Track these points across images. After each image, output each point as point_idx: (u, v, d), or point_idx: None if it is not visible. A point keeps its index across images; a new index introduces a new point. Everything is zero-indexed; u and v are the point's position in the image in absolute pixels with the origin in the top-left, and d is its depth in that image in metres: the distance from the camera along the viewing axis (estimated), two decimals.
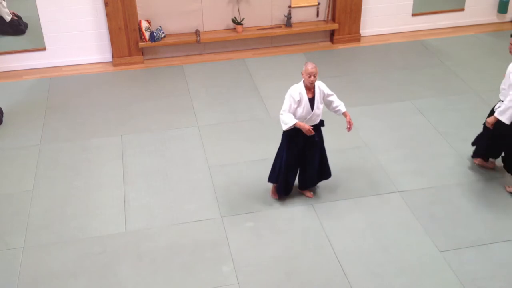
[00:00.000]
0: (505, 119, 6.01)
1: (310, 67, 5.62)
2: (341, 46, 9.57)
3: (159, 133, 7.42)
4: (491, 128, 6.19)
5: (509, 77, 5.97)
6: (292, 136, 5.85)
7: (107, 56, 9.13)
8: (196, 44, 9.17)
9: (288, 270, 5.43)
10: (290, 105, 5.68)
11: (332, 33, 9.61)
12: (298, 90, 5.69)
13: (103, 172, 6.75)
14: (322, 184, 6.47)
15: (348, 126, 5.89)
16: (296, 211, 6.10)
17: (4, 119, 7.75)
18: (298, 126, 5.68)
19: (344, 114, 5.91)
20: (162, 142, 7.24)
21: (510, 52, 6.13)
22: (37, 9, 8.63)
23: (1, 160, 6.98)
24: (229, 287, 5.28)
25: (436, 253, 5.58)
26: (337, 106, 5.89)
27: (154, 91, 8.36)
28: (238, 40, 9.32)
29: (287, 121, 5.67)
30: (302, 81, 5.75)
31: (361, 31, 9.70)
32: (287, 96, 5.71)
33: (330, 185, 6.44)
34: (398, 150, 7.00)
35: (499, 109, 6.06)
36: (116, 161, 6.92)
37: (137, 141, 7.27)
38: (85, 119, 7.75)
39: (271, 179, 6.17)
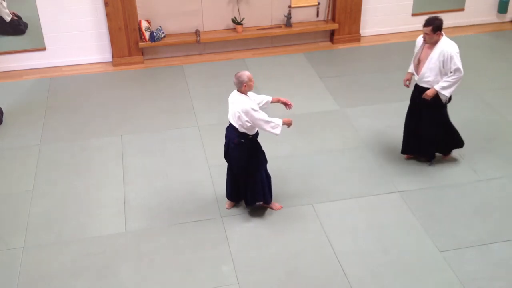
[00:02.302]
0: (447, 93, 6.20)
1: (248, 72, 5.48)
2: (341, 46, 9.57)
3: (159, 133, 7.42)
4: (429, 99, 6.23)
5: (450, 61, 6.06)
6: (260, 148, 5.82)
7: (107, 56, 9.13)
8: (196, 44, 9.17)
9: (288, 270, 5.43)
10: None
11: (332, 33, 9.61)
12: (252, 101, 5.54)
13: (103, 172, 6.75)
14: (322, 184, 6.47)
15: (288, 104, 5.81)
16: (296, 211, 6.10)
17: (4, 119, 7.75)
18: (286, 123, 5.67)
19: (273, 100, 5.80)
20: (162, 142, 7.24)
21: (424, 40, 6.17)
22: (37, 9, 8.63)
23: (1, 160, 6.98)
24: (229, 287, 5.28)
25: (436, 253, 5.58)
26: (262, 101, 5.77)
27: (154, 91, 8.36)
28: (238, 40, 9.32)
29: (278, 122, 5.57)
30: (237, 92, 5.55)
31: (361, 31, 9.70)
32: (253, 112, 5.43)
33: (330, 185, 6.44)
34: (398, 150, 6.99)
35: (442, 84, 6.15)
36: (116, 161, 6.92)
37: (137, 141, 7.27)
38: (85, 119, 7.75)
39: (267, 199, 6.04)
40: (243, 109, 5.46)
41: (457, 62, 6.07)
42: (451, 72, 6.11)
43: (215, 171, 6.69)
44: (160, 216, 6.09)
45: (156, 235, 5.86)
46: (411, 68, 6.52)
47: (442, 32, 6.10)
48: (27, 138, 7.37)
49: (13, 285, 5.33)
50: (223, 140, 7.22)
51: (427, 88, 6.25)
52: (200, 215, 6.09)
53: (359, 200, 6.24)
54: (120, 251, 5.67)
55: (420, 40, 6.29)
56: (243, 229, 5.90)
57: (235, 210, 6.13)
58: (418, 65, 6.35)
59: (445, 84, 6.16)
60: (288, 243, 5.73)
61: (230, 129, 5.72)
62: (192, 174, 6.68)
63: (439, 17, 6.08)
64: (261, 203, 6.09)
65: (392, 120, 7.57)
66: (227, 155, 5.90)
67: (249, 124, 5.52)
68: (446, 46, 6.08)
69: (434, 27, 6.01)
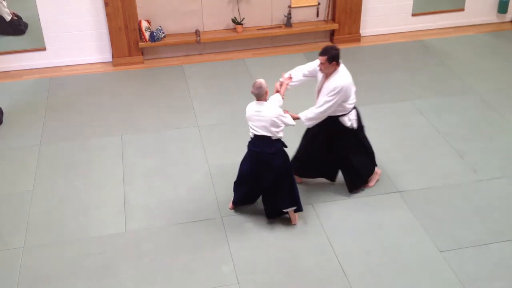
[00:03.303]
0: (307, 123, 5.80)
1: (263, 79, 5.48)
2: (341, 46, 9.48)
3: (159, 133, 7.42)
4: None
5: (338, 92, 5.65)
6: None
7: (107, 56, 9.13)
8: (196, 44, 9.17)
9: (288, 270, 5.43)
10: None
11: (332, 33, 9.61)
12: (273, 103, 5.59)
13: (103, 172, 6.75)
14: (322, 184, 6.47)
15: (287, 79, 5.84)
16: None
17: (4, 119, 7.75)
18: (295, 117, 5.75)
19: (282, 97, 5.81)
20: (162, 142, 7.24)
21: (320, 70, 5.75)
22: (37, 9, 8.63)
23: (1, 160, 6.98)
24: (229, 287, 5.28)
25: (436, 253, 5.58)
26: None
27: (154, 91, 8.36)
28: (238, 40, 9.32)
29: (287, 114, 5.61)
30: (257, 102, 5.52)
31: (361, 31, 9.70)
32: (280, 118, 5.44)
33: (330, 185, 6.44)
34: (398, 150, 6.99)
35: (308, 114, 5.73)
36: (116, 161, 6.92)
37: (137, 141, 7.27)
38: (85, 119, 7.75)
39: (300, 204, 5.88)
40: (275, 114, 5.45)
41: (331, 96, 5.60)
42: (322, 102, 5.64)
43: (215, 171, 6.69)
44: (160, 216, 6.09)
45: (156, 235, 5.86)
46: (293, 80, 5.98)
47: (339, 61, 5.67)
48: (27, 138, 7.36)
49: (13, 285, 5.33)
50: (223, 140, 7.25)
51: (330, 117, 5.81)
52: (200, 215, 6.09)
53: (359, 200, 6.24)
54: (120, 251, 5.67)
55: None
56: (243, 229, 5.90)
57: (235, 210, 6.13)
58: (318, 93, 5.90)
59: (310, 114, 5.71)
60: (288, 243, 5.73)
61: (258, 141, 5.58)
62: (192, 174, 6.68)
63: (336, 47, 5.65)
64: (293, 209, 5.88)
65: (392, 120, 7.57)
66: (254, 174, 5.71)
67: (282, 127, 5.53)
68: (336, 77, 5.67)
69: (330, 56, 5.56)
